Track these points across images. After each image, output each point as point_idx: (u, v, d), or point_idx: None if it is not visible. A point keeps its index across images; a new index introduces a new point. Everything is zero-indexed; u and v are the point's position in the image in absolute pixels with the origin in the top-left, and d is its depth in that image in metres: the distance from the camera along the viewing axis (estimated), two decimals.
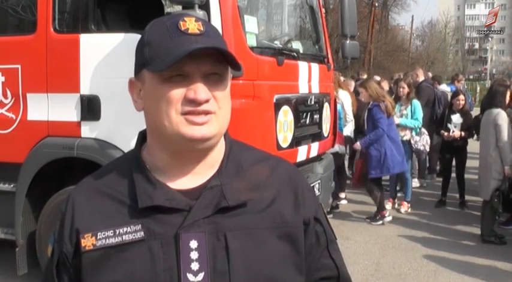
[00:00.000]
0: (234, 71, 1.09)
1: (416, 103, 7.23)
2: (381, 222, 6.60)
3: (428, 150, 7.44)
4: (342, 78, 8.79)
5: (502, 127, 5.71)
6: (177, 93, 1.02)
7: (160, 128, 1.05)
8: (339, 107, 6.39)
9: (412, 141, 7.18)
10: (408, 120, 7.12)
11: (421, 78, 9.29)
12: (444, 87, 10.46)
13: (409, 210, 7.21)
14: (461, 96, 7.34)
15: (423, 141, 7.22)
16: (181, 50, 0.99)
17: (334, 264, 1.20)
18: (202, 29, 1.03)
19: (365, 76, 11.93)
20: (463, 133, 7.22)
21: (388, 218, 6.64)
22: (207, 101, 1.02)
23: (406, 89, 7.18)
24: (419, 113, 7.18)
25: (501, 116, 5.77)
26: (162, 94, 1.03)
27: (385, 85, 9.36)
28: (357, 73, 13.49)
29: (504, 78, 10.85)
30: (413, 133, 7.19)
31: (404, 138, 7.10)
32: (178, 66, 1.00)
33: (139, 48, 1.08)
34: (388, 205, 7.23)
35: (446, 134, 7.25)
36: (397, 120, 7.02)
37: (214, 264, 1.02)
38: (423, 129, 7.31)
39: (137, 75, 1.09)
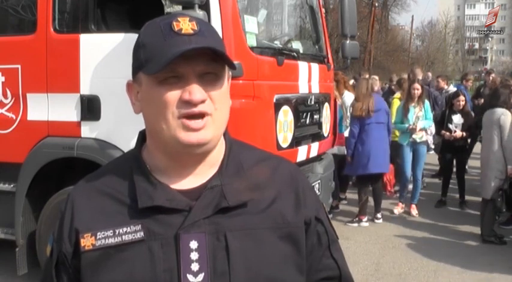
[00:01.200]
0: (231, 70, 1.08)
1: (427, 103, 7.24)
2: (356, 225, 6.59)
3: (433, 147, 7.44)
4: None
5: (506, 127, 5.73)
6: (173, 95, 1.01)
7: (158, 130, 1.04)
8: (339, 108, 6.42)
9: (428, 142, 7.13)
10: (426, 122, 7.04)
11: (419, 78, 9.27)
12: (452, 88, 10.36)
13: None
14: (462, 97, 7.33)
15: (435, 140, 7.24)
16: (174, 51, 0.98)
17: (336, 264, 1.19)
18: (196, 28, 1.02)
19: (366, 76, 11.86)
20: (464, 133, 7.21)
21: (365, 224, 6.62)
22: (202, 102, 1.01)
23: (420, 90, 7.06)
24: (431, 113, 7.22)
25: (506, 115, 5.79)
26: (158, 97, 1.02)
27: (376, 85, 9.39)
28: (359, 74, 13.42)
29: (506, 78, 10.80)
30: (429, 132, 7.16)
31: (423, 139, 7.05)
32: (172, 67, 0.99)
33: (135, 50, 1.07)
34: (396, 209, 7.17)
35: (448, 134, 7.23)
36: (420, 124, 6.95)
37: (214, 264, 1.02)
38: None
39: (134, 77, 1.08)
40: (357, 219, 6.65)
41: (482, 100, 9.18)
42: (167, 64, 0.98)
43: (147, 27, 1.07)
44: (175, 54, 0.98)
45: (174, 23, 1.02)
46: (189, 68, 1.01)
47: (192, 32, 1.01)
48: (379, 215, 6.80)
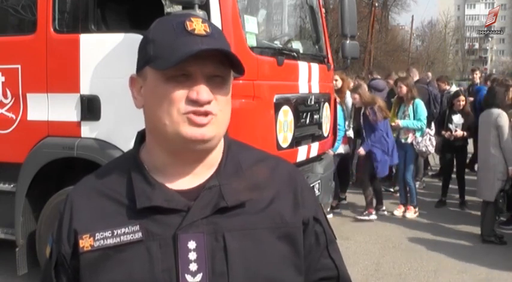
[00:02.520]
0: (235, 73, 1.08)
1: (419, 102, 6.97)
2: (367, 218, 6.79)
3: (432, 151, 7.14)
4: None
5: (504, 128, 5.72)
6: (180, 94, 1.02)
7: (160, 126, 1.04)
8: (339, 107, 6.43)
9: (414, 143, 6.91)
10: (410, 121, 6.88)
11: (416, 78, 9.28)
12: (453, 88, 10.30)
13: (416, 214, 7.07)
14: (462, 97, 7.32)
15: (425, 142, 6.91)
16: (187, 49, 0.99)
17: (334, 264, 1.19)
18: (208, 30, 1.03)
19: (379, 76, 11.75)
20: (465, 133, 7.19)
21: (373, 217, 6.85)
22: (208, 103, 1.02)
23: (404, 88, 6.94)
24: (422, 113, 6.90)
25: (502, 116, 5.78)
26: (165, 93, 1.02)
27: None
28: (370, 73, 13.09)
29: (506, 78, 10.79)
30: (418, 134, 6.90)
31: (408, 141, 6.89)
32: (182, 66, 1.00)
33: (143, 45, 1.07)
34: (397, 211, 7.11)
35: (448, 133, 7.21)
36: (399, 122, 6.90)
37: (212, 265, 1.02)
38: (427, 130, 6.98)
39: (139, 72, 1.09)
40: (366, 213, 6.84)
41: (471, 99, 9.09)
42: (181, 61, 0.99)
43: (158, 24, 1.07)
44: (190, 52, 0.98)
45: (187, 23, 1.02)
46: (198, 68, 1.01)
47: (204, 33, 1.02)
48: (383, 208, 7.05)
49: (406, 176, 7.05)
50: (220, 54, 1.02)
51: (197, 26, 1.03)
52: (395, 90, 8.15)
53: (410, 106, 6.94)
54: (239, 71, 1.06)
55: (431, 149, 7.05)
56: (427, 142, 6.92)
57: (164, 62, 1.00)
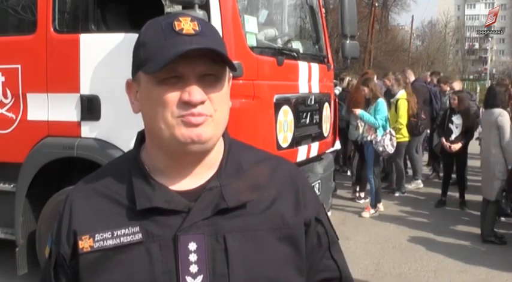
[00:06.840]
0: (232, 71, 1.08)
1: (381, 101, 6.89)
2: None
3: (391, 151, 6.94)
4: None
5: (505, 128, 5.72)
6: (172, 96, 1.00)
7: (157, 130, 1.03)
8: None
9: (373, 142, 6.82)
10: (367, 115, 6.82)
11: (411, 78, 9.30)
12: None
13: (377, 214, 7.00)
14: (454, 96, 7.36)
15: (384, 142, 6.75)
16: (175, 51, 0.97)
17: (336, 265, 1.19)
18: (197, 29, 1.01)
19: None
20: (460, 143, 7.15)
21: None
22: (202, 103, 1.01)
23: (366, 90, 6.95)
24: (381, 112, 6.83)
25: (503, 116, 5.79)
26: (158, 97, 1.01)
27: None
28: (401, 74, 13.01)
29: (503, 77, 10.80)
30: (379, 133, 6.80)
31: (369, 138, 6.86)
32: (172, 67, 0.99)
33: (135, 49, 1.06)
34: (366, 213, 7.00)
35: (446, 144, 7.19)
36: (357, 111, 6.91)
37: (213, 266, 1.01)
38: (389, 129, 6.87)
39: (134, 76, 1.08)
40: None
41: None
42: (167, 64, 0.97)
43: (148, 27, 1.06)
44: (176, 54, 0.97)
45: (176, 23, 1.01)
46: (189, 68, 1.00)
47: (193, 32, 1.01)
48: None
49: (367, 172, 7.05)
50: (211, 52, 1.00)
51: (185, 25, 1.01)
52: (392, 90, 8.15)
53: (373, 106, 6.91)
54: (231, 68, 1.04)
55: (390, 150, 6.87)
56: (387, 142, 6.77)
57: (153, 65, 0.99)
